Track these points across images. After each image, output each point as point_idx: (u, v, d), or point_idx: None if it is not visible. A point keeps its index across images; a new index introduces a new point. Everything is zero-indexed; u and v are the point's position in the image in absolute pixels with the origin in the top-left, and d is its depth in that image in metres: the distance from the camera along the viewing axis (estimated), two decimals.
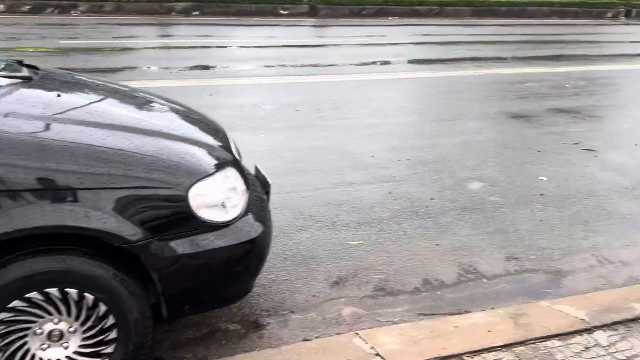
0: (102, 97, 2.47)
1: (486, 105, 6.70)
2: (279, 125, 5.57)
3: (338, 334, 2.55)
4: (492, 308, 2.78)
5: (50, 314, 1.87)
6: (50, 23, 12.19)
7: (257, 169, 2.93)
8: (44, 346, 1.90)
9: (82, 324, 1.92)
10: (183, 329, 2.54)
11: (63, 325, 1.90)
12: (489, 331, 2.50)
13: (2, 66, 2.41)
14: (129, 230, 1.87)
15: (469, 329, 2.53)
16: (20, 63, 2.69)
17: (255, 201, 2.42)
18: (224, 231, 2.09)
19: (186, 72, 7.74)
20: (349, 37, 12.18)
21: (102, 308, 1.91)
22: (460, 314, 2.72)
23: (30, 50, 9.10)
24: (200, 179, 2.04)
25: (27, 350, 1.88)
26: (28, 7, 13.42)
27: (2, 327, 1.82)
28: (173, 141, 2.15)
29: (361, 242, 3.36)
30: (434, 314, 2.72)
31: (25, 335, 1.87)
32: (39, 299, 1.83)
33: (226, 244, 2.07)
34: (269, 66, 8.55)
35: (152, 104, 2.59)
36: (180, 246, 1.98)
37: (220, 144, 2.38)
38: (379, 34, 12.85)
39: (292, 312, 2.69)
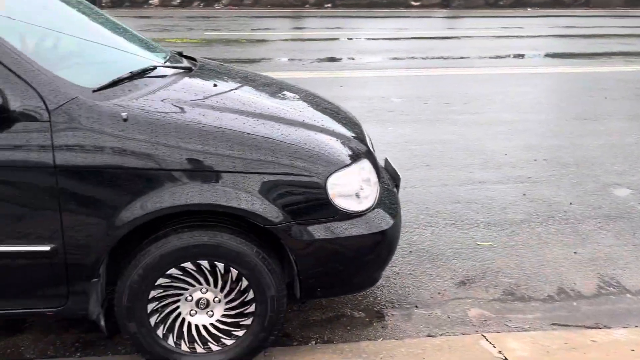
0: (250, 87, 2.65)
1: (638, 105, 6.09)
2: (407, 118, 5.54)
3: (463, 334, 2.51)
4: (637, 326, 2.55)
5: (199, 283, 2.06)
6: (197, 15, 13.21)
7: (387, 161, 2.96)
8: (193, 312, 2.10)
9: (226, 295, 2.09)
10: (311, 310, 2.65)
11: (209, 295, 2.09)
12: (632, 350, 2.31)
13: (167, 57, 2.68)
14: (272, 213, 2.00)
15: (609, 345, 2.36)
16: (181, 54, 2.97)
17: (386, 194, 2.44)
18: (357, 220, 2.15)
19: (317, 64, 7.97)
20: (482, 28, 11.71)
21: (244, 283, 2.07)
22: (599, 328, 2.54)
23: (178, 41, 9.93)
24: (338, 169, 2.11)
25: (179, 314, 2.09)
26: (178, 0, 14.64)
27: (160, 291, 2.04)
28: (314, 131, 2.24)
29: (491, 243, 3.25)
30: (568, 325, 2.56)
31: (178, 301, 2.08)
32: (191, 269, 2.03)
33: (358, 233, 2.13)
34: (398, 58, 8.52)
35: (294, 95, 2.72)
36: (317, 231, 2.07)
37: (356, 135, 2.44)
38: (516, 25, 12.19)
39: (416, 307, 2.69)
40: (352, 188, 2.17)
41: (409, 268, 3.00)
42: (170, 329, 2.10)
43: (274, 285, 2.08)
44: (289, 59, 8.32)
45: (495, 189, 3.94)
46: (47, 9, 2.56)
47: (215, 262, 2.02)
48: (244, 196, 1.97)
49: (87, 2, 2.90)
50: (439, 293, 2.80)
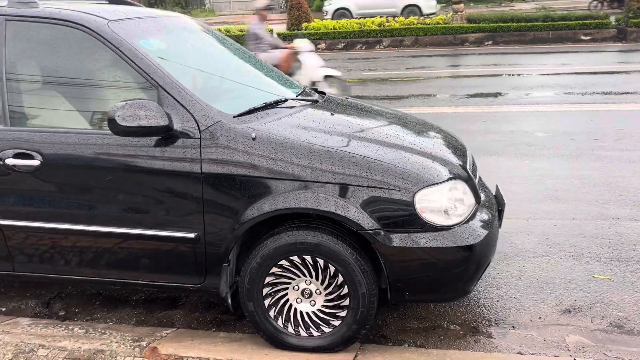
0: (362, 115, 3.07)
1: None
2: (548, 152, 5.45)
3: (555, 356, 2.55)
4: None
5: (304, 275, 2.48)
6: (358, 57, 14.13)
7: (497, 188, 3.11)
8: (299, 300, 2.53)
9: (325, 288, 2.48)
10: (410, 318, 2.91)
11: (312, 287, 2.50)
12: None
13: (300, 92, 3.23)
14: (364, 220, 2.35)
15: None
16: (315, 90, 3.53)
17: (483, 214, 2.63)
18: (443, 234, 2.39)
19: (465, 100, 8.11)
20: None
21: (340, 278, 2.44)
22: None
23: None
24: (426, 186, 2.39)
25: (287, 300, 2.53)
26: (343, 44, 15.80)
27: (273, 278, 2.50)
28: (411, 153, 2.56)
29: (609, 277, 3.17)
30: None
31: (287, 288, 2.52)
32: (298, 262, 2.46)
33: (442, 245, 2.37)
34: (553, 94, 8.26)
35: (403, 123, 3.07)
36: (403, 239, 2.36)
37: (454, 159, 2.68)
38: None
39: (513, 327, 2.78)
40: (440, 204, 2.42)
41: (514, 292, 3.08)
42: (280, 312, 2.54)
43: (365, 284, 2.41)
44: (437, 95, 8.58)
45: (627, 226, 3.77)
46: (204, 45, 3.27)
47: (317, 258, 2.43)
48: (342, 204, 2.36)
49: (237, 45, 3.59)
50: (540, 317, 2.85)
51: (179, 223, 2.49)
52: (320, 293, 2.50)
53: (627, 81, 8.98)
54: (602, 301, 2.94)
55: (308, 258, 2.44)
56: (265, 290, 2.52)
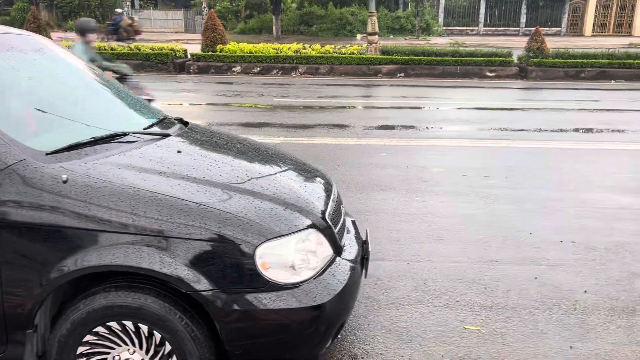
0: (218, 154, 2.73)
1: None
2: (439, 189, 5.40)
3: None
4: None
5: (126, 344, 2.11)
6: (272, 83, 13.94)
7: (367, 233, 2.90)
8: None
9: (151, 358, 2.12)
10: None
11: (137, 357, 2.12)
12: None
13: (155, 122, 2.88)
14: (196, 279, 2.02)
15: None
16: (180, 120, 3.18)
17: (341, 266, 2.39)
18: (289, 292, 2.12)
19: (369, 131, 8.06)
20: (555, 100, 11.31)
21: (167, 347, 2.09)
22: None
23: (247, 105, 10.52)
24: (271, 238, 2.11)
25: None
26: (259, 68, 15.58)
27: (87, 347, 2.11)
28: (260, 199, 2.27)
29: (479, 328, 3.02)
30: None
31: (106, 359, 2.13)
32: (117, 329, 2.08)
33: (287, 306, 2.09)
34: (453, 128, 8.41)
35: (263, 160, 2.79)
36: (241, 301, 2.06)
37: (313, 205, 2.43)
38: (593, 98, 11.65)
39: None
40: (286, 259, 2.15)
41: (382, 347, 2.86)
42: None
43: (196, 353, 2.07)
44: (343, 125, 8.49)
45: (506, 270, 3.70)
46: (50, 70, 2.84)
47: (139, 324, 2.07)
48: (168, 260, 2.02)
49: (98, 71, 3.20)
50: None
51: None
52: None
53: (522, 118, 9.35)
54: (470, 356, 2.78)
55: (129, 324, 2.07)
56: None
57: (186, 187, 2.20)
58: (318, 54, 15.71)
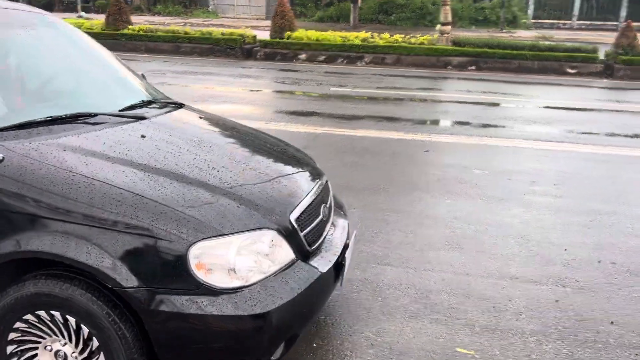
0: (188, 141, 2.51)
1: None
2: (475, 192, 4.98)
3: None
4: None
5: (56, 335, 2.01)
6: (334, 72, 13.69)
7: (348, 236, 2.66)
8: None
9: (80, 352, 2.01)
10: None
11: (67, 349, 2.02)
12: None
13: (140, 102, 2.78)
14: (123, 274, 1.89)
15: None
16: (175, 103, 3.06)
17: (300, 272, 2.16)
18: (224, 298, 1.93)
19: (417, 126, 7.65)
20: (637, 103, 10.25)
21: (95, 343, 1.97)
22: None
23: (298, 94, 10.38)
24: (208, 237, 1.93)
25: None
26: (324, 57, 15.38)
27: (18, 334, 2.03)
28: (212, 194, 2.09)
29: (473, 352, 2.69)
30: None
31: (37, 348, 2.05)
32: (46, 319, 1.99)
33: (220, 312, 1.91)
34: (509, 128, 7.80)
35: (243, 151, 2.60)
36: (170, 302, 1.90)
37: (276, 204, 2.21)
38: None
39: None
40: (227, 261, 1.96)
41: None
42: None
43: (123, 353, 1.94)
44: (391, 118, 8.13)
45: (524, 288, 3.30)
46: (48, 45, 2.81)
47: (67, 316, 1.96)
48: (96, 252, 1.89)
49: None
50: None
51: None
52: (77, 358, 2.02)
53: (595, 120, 8.53)
54: None
55: (57, 315, 1.97)
56: (10, 349, 2.05)
57: (130, 174, 2.06)
58: (385, 44, 15.26)
